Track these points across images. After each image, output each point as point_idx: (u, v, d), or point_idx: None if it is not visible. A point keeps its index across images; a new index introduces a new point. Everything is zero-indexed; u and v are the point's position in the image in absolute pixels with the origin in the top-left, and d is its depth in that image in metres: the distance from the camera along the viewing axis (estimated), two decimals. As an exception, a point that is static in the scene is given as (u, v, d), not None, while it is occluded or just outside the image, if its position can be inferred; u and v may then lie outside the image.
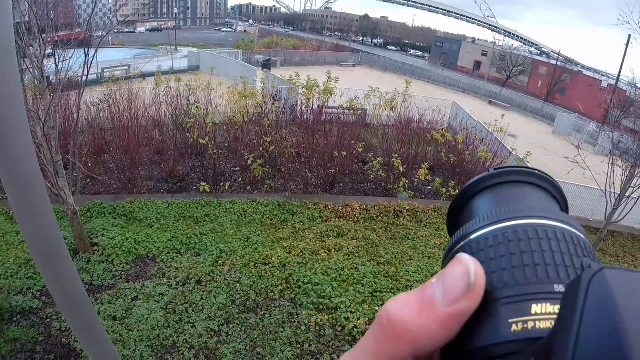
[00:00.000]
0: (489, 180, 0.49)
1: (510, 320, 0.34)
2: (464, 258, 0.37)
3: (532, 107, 45.23)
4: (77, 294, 3.35)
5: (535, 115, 42.90)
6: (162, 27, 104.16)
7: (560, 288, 0.35)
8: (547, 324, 0.33)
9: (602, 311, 0.28)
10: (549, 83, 65.18)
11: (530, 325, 0.33)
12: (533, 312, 0.34)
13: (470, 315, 0.35)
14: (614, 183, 10.99)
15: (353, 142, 14.35)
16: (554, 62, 71.89)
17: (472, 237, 0.42)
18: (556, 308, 0.34)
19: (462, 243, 0.43)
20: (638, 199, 10.94)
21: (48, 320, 7.40)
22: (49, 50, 8.15)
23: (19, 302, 7.61)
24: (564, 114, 38.42)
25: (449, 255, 0.44)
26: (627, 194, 10.99)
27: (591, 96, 50.97)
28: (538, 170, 0.49)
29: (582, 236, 0.41)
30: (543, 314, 0.34)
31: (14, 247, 9.23)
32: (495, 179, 0.49)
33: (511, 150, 15.89)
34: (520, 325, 0.34)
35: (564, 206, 0.49)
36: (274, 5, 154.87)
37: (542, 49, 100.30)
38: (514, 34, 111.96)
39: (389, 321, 0.36)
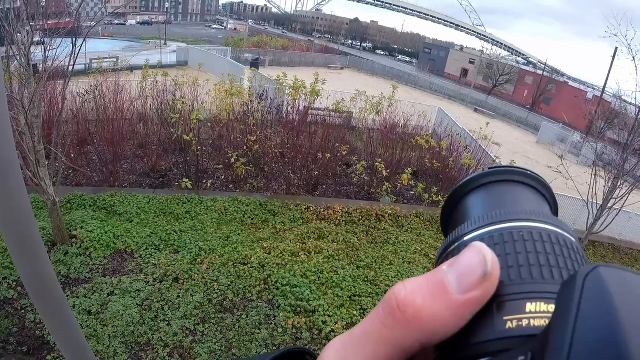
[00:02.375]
0: (484, 178, 0.49)
1: (505, 318, 0.34)
2: (481, 246, 0.37)
3: (517, 116, 45.94)
4: (50, 285, 3.31)
5: (520, 124, 43.55)
6: (153, 20, 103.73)
7: (554, 288, 0.34)
8: (542, 322, 0.33)
9: (598, 306, 0.28)
10: (535, 93, 66.24)
11: (524, 322, 0.34)
12: (527, 310, 0.34)
13: (483, 305, 0.35)
14: (596, 194, 11.14)
15: (337, 144, 14.35)
16: (540, 72, 72.86)
17: (468, 237, 0.42)
18: (550, 307, 0.34)
19: (457, 243, 0.43)
20: (620, 210, 11.07)
21: (23, 311, 7.31)
22: (36, 38, 8.08)
23: (-6, 292, 7.53)
24: (549, 124, 39.03)
25: (443, 256, 0.44)
26: (609, 205, 11.13)
27: (576, 107, 51.58)
28: (530, 171, 0.50)
29: (574, 240, 0.41)
30: (537, 313, 0.34)
31: (-11, 236, 9.10)
32: (490, 177, 0.49)
33: (495, 158, 15.99)
34: (515, 323, 0.34)
35: (554, 208, 0.50)
36: (265, 5, 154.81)
37: (529, 59, 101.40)
38: (501, 43, 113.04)
39: (399, 306, 0.34)
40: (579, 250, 0.40)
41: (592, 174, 11.19)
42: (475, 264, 0.35)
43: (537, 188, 0.49)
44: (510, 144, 27.44)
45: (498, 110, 47.02)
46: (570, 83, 70.45)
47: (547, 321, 0.33)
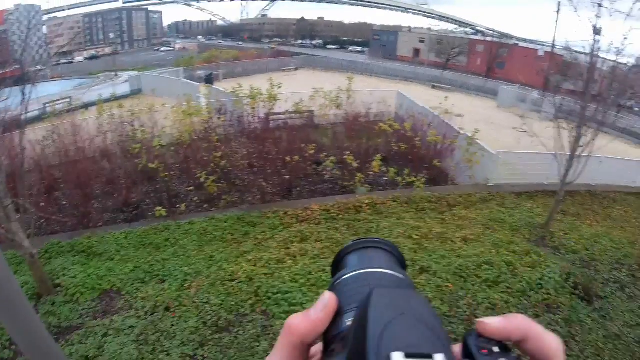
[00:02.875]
0: (355, 245, 0.76)
1: (347, 321, 0.60)
2: (325, 294, 0.64)
3: (475, 85, 46.66)
4: (42, 339, 3.31)
5: (479, 93, 44.10)
6: (100, 53, 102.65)
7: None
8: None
9: (364, 309, 0.52)
10: (488, 60, 66.81)
11: (349, 323, 0.59)
12: (352, 318, 0.59)
13: (329, 320, 0.61)
14: (563, 145, 11.29)
15: (303, 145, 14.42)
16: (489, 39, 73.58)
17: (342, 278, 0.70)
18: None
19: (337, 281, 0.70)
20: (589, 157, 11.25)
21: (20, 369, 7.26)
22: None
23: (-12, 355, 7.45)
24: (506, 87, 39.67)
25: (332, 285, 0.70)
26: (578, 154, 11.29)
27: (529, 66, 52.40)
28: (383, 240, 0.76)
29: (399, 275, 0.68)
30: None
31: (-27, 300, 8.99)
32: (359, 244, 0.76)
33: (459, 130, 16.13)
34: (349, 322, 0.59)
35: (399, 257, 0.75)
36: (210, 19, 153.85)
37: (477, 28, 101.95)
38: (448, 18, 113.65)
39: (287, 325, 0.61)
40: (398, 280, 0.67)
41: (555, 127, 11.35)
42: (321, 301, 0.63)
43: (385, 248, 0.75)
44: (472, 113, 27.64)
45: (455, 82, 47.64)
46: (520, 44, 71.22)
47: None
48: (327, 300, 0.63)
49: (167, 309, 8.42)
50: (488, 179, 14.88)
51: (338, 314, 0.62)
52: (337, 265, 0.76)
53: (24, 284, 8.52)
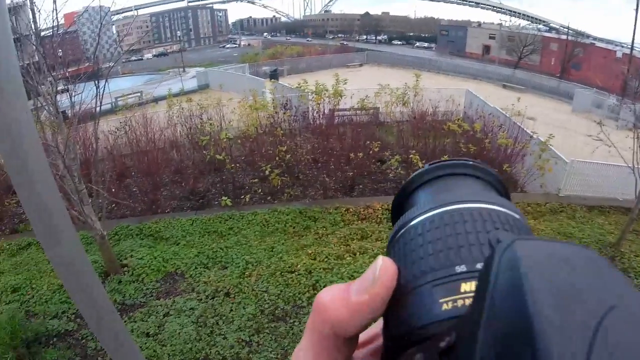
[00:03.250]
0: (426, 175, 0.52)
1: (441, 300, 0.36)
2: (378, 258, 0.43)
3: (548, 87, 44.48)
4: (107, 314, 3.46)
5: (552, 95, 41.78)
6: (168, 51, 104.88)
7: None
8: None
9: (510, 282, 0.30)
10: (562, 59, 63.65)
11: (460, 303, 0.36)
12: (462, 290, 0.36)
13: (381, 305, 0.40)
14: (641, 158, 10.46)
15: (368, 142, 14.27)
16: (564, 37, 70.15)
17: (409, 225, 0.45)
18: None
19: (403, 230, 0.46)
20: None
21: (83, 341, 7.61)
22: (61, 87, 8.35)
23: (55, 326, 7.85)
24: (582, 90, 37.49)
25: (392, 242, 0.47)
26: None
27: (607, 68, 49.78)
28: (472, 161, 0.52)
29: (516, 215, 0.44)
30: (472, 292, 0.36)
31: (46, 274, 9.46)
32: (431, 173, 0.52)
33: (531, 133, 15.48)
34: (450, 304, 0.36)
35: (502, 190, 0.52)
36: (274, 16, 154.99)
37: (551, 24, 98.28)
38: (519, 13, 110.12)
39: (316, 303, 0.43)
40: (522, 226, 0.43)
41: (634, 138, 10.60)
42: (370, 273, 0.41)
43: (477, 175, 0.51)
44: (544, 116, 26.54)
45: (527, 83, 45.59)
46: (597, 44, 66.81)
47: None
48: (379, 272, 0.41)
49: (227, 294, 8.62)
50: (559, 189, 14.07)
51: (401, 292, 0.40)
52: (402, 205, 0.53)
53: (93, 263, 8.84)
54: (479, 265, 0.36)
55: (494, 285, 0.30)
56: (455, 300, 0.36)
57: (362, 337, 0.48)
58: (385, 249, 0.48)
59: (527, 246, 0.32)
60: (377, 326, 0.47)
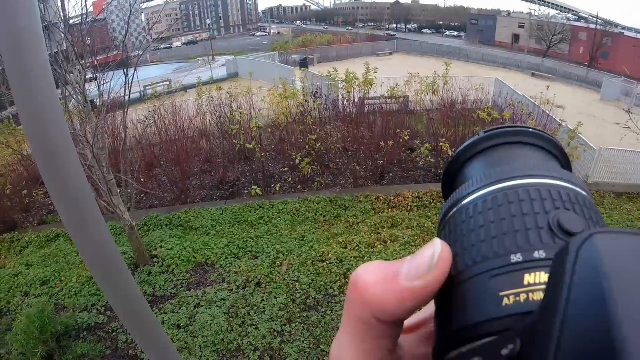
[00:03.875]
0: (481, 144, 0.47)
1: (501, 294, 0.32)
2: (435, 242, 0.38)
3: (577, 75, 44.25)
4: (138, 306, 3.39)
5: (581, 83, 41.85)
6: (198, 39, 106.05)
7: (552, 254, 0.32)
8: (541, 295, 0.31)
9: (591, 288, 0.25)
10: (591, 48, 63.52)
11: (522, 297, 0.31)
12: (526, 282, 0.32)
13: (428, 295, 0.36)
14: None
15: (398, 130, 14.17)
16: (593, 26, 69.93)
17: (463, 203, 0.41)
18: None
19: (453, 210, 0.42)
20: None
21: (114, 334, 7.61)
22: (89, 75, 8.34)
23: (85, 319, 7.86)
24: (611, 79, 37.19)
25: (444, 221, 0.43)
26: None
27: (636, 57, 49.32)
28: (533, 128, 0.47)
29: (583, 193, 0.39)
30: (537, 284, 0.31)
31: (75, 266, 9.52)
32: (487, 142, 0.47)
33: (560, 121, 15.43)
34: (512, 299, 0.32)
35: (564, 163, 0.47)
36: (304, 4, 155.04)
37: (580, 14, 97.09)
38: (549, 2, 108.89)
39: (354, 283, 0.39)
40: (589, 204, 0.37)
41: None
42: (426, 258, 0.37)
43: (539, 145, 0.46)
44: (573, 105, 26.41)
45: (556, 71, 45.60)
46: (626, 33, 66.78)
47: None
48: (435, 256, 0.37)
49: (258, 285, 8.60)
50: (587, 176, 14.16)
51: (454, 281, 0.37)
52: (454, 178, 0.49)
53: (123, 254, 8.85)
54: (537, 254, 0.33)
55: (569, 289, 0.27)
56: (517, 294, 0.32)
57: (410, 321, 0.45)
58: (435, 232, 0.44)
59: (609, 241, 0.28)
60: (427, 310, 0.45)
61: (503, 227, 0.35)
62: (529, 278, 0.32)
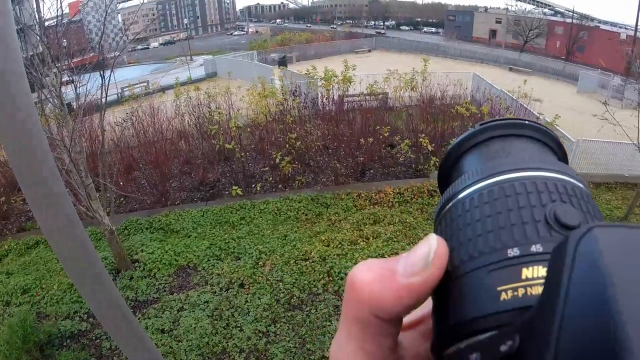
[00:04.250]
0: (476, 137, 0.46)
1: (499, 288, 0.32)
2: (431, 238, 0.38)
3: (554, 69, 44.96)
4: (120, 312, 3.36)
5: (558, 77, 42.38)
6: (175, 39, 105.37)
7: (552, 247, 0.31)
8: (540, 290, 0.30)
9: (591, 284, 0.25)
10: (567, 42, 64.44)
11: (520, 292, 0.31)
12: (524, 277, 0.32)
13: (425, 291, 0.36)
14: (646, 135, 10.74)
15: (378, 127, 14.21)
16: (569, 20, 70.86)
17: (459, 197, 0.40)
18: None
19: (449, 204, 0.41)
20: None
21: (98, 341, 7.53)
22: (65, 78, 8.24)
23: (67, 327, 7.78)
24: (587, 72, 37.82)
25: (440, 215, 0.42)
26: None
27: (611, 50, 50.08)
28: (529, 120, 0.46)
29: (580, 185, 0.38)
30: (535, 279, 0.31)
31: (56, 273, 9.40)
32: (482, 134, 0.46)
33: (538, 115, 15.59)
34: (510, 293, 0.31)
35: (561, 155, 0.46)
36: (282, 2, 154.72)
37: (556, 8, 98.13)
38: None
39: (351, 283, 0.38)
40: (586, 196, 0.37)
41: (639, 116, 10.71)
42: (422, 254, 0.37)
43: (535, 137, 0.45)
44: (551, 97, 26.60)
45: (533, 66, 46.11)
46: (602, 26, 67.69)
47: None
48: (431, 252, 0.37)
49: (241, 286, 8.58)
50: None
51: (451, 276, 0.36)
52: (450, 172, 0.48)
53: (103, 259, 8.80)
54: (534, 248, 0.33)
55: (568, 285, 0.26)
56: (515, 289, 0.32)
57: (409, 318, 0.46)
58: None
59: (608, 235, 0.27)
60: (426, 307, 0.44)
61: (499, 220, 0.35)
62: (526, 272, 0.31)
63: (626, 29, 60.81)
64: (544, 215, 0.34)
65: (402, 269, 0.37)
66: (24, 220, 12.26)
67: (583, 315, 0.24)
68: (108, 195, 9.25)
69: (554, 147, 0.46)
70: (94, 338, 7.59)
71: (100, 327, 7.51)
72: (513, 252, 0.33)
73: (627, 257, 0.25)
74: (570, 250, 0.27)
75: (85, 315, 8.02)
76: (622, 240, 0.26)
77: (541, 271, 0.31)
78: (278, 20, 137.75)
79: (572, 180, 0.38)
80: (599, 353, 0.22)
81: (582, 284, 0.25)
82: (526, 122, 0.45)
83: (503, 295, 0.31)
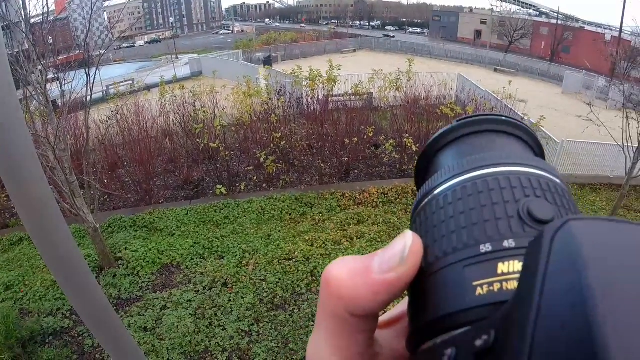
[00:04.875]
0: (453, 132, 0.46)
1: (475, 283, 0.32)
2: (407, 234, 0.38)
3: (539, 70, 45.05)
4: (102, 309, 3.37)
5: (543, 77, 42.48)
6: (161, 37, 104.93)
7: (527, 242, 0.31)
8: (515, 285, 0.31)
9: (567, 275, 0.25)
10: (552, 43, 64.80)
11: (496, 287, 0.31)
12: (499, 272, 0.32)
13: (400, 287, 0.36)
14: (630, 137, 10.79)
15: (363, 127, 14.28)
16: (554, 21, 71.33)
17: (434, 193, 0.41)
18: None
19: (424, 201, 0.42)
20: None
21: (80, 338, 7.53)
22: (51, 75, 8.21)
23: (50, 324, 7.74)
24: (572, 73, 37.87)
25: (416, 211, 0.43)
26: (646, 146, 10.72)
27: (596, 51, 50.44)
28: (506, 116, 0.46)
29: (556, 180, 0.38)
30: (510, 273, 0.32)
31: (39, 270, 9.35)
32: (459, 130, 0.46)
33: (522, 115, 15.66)
34: (485, 288, 0.32)
35: (538, 151, 0.46)
36: (268, 2, 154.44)
37: (541, 9, 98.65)
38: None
39: (326, 280, 0.38)
40: (561, 191, 0.38)
41: (623, 117, 10.80)
42: (397, 250, 0.37)
43: (512, 133, 0.46)
44: (535, 98, 26.77)
45: (518, 66, 46.28)
46: (587, 27, 68.03)
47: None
48: (407, 249, 0.37)
49: (225, 285, 8.58)
50: None
51: (426, 272, 0.36)
52: (426, 168, 0.48)
53: (87, 257, 8.77)
54: (507, 243, 0.33)
55: (544, 278, 0.26)
56: (491, 284, 0.32)
57: (386, 317, 0.46)
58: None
59: (584, 228, 0.27)
60: (402, 305, 0.45)
61: (472, 217, 0.36)
62: (502, 267, 0.32)
63: (611, 30, 61.32)
64: (517, 211, 0.34)
65: (377, 265, 0.37)
66: (8, 217, 12.16)
67: (559, 306, 0.24)
68: (92, 193, 9.24)
69: (531, 142, 0.46)
70: (76, 335, 7.58)
71: (82, 325, 7.50)
72: (486, 247, 0.33)
73: (602, 248, 0.25)
74: (546, 243, 0.27)
75: (68, 313, 7.99)
76: (598, 232, 0.27)
77: (517, 266, 0.31)
78: (269, 20, 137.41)
79: (547, 174, 0.38)
80: (576, 344, 0.22)
81: (558, 276, 0.25)
82: (503, 117, 0.46)
83: (479, 290, 0.32)
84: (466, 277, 0.33)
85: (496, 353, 0.27)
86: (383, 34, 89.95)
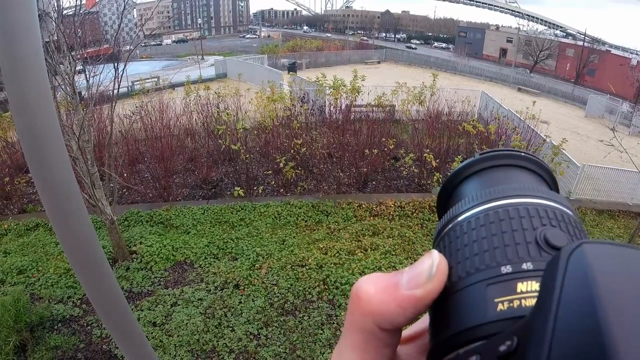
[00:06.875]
0: (476, 165, 0.50)
1: (496, 300, 0.35)
2: (433, 253, 0.41)
3: (563, 91, 44.51)
4: (116, 301, 3.38)
5: (566, 100, 42.12)
6: (188, 37, 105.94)
7: (544, 265, 0.34)
8: (533, 302, 0.34)
9: (580, 290, 0.28)
10: (578, 65, 64.30)
11: (515, 303, 0.34)
12: (519, 290, 0.35)
13: (427, 303, 0.39)
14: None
15: (383, 139, 14.23)
16: (580, 43, 70.84)
17: (458, 220, 0.44)
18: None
19: (448, 227, 0.44)
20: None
21: (89, 327, 7.57)
22: (79, 67, 8.29)
23: (60, 311, 7.81)
24: (596, 96, 37.49)
25: (439, 237, 0.45)
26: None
27: (622, 75, 49.96)
28: (525, 152, 0.50)
29: (569, 212, 0.42)
30: (529, 292, 0.34)
31: (53, 257, 9.44)
32: (481, 163, 0.50)
33: (545, 137, 15.54)
34: (506, 305, 0.34)
35: (552, 185, 0.50)
36: (295, 9, 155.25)
37: (568, 30, 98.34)
38: (537, 18, 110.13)
39: (356, 295, 0.40)
40: (574, 222, 0.41)
41: None
42: (425, 268, 0.39)
43: (530, 168, 0.49)
44: (558, 120, 26.65)
45: (542, 87, 45.88)
46: (613, 51, 67.58)
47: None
48: (434, 267, 0.39)
49: (236, 286, 8.59)
50: (570, 192, 14.25)
51: (449, 291, 0.39)
52: (449, 196, 0.52)
53: (102, 248, 8.82)
54: (525, 266, 0.36)
55: (561, 291, 0.29)
56: (511, 301, 0.35)
57: (407, 332, 0.48)
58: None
59: (596, 250, 0.31)
60: (423, 322, 0.47)
61: (494, 241, 0.38)
62: (521, 286, 0.35)
63: (637, 54, 60.78)
64: (534, 238, 0.37)
65: (405, 282, 0.39)
66: (25, 202, 12.29)
67: (574, 316, 0.27)
68: (112, 185, 9.31)
69: (546, 177, 0.50)
70: (85, 324, 7.63)
71: (92, 314, 7.57)
72: (506, 269, 0.36)
73: (613, 268, 0.29)
74: (562, 262, 0.30)
75: (79, 301, 8.06)
76: (608, 253, 0.30)
77: (534, 285, 0.34)
78: (308, 28, 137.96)
79: (561, 207, 0.41)
80: (588, 348, 0.24)
81: (573, 290, 0.28)
82: (522, 153, 0.49)
83: (500, 306, 0.35)
84: (488, 295, 0.36)
85: (518, 355, 0.30)
86: (406, 46, 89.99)
